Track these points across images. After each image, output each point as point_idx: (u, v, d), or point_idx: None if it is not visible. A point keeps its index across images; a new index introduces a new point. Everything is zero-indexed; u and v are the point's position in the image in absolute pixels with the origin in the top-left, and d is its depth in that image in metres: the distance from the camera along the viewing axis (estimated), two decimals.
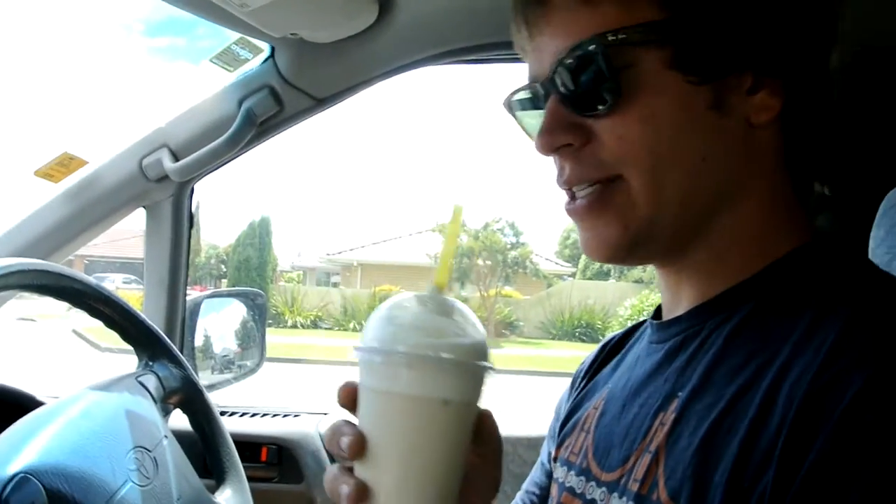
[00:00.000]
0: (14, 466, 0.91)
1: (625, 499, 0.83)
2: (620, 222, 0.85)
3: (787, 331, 0.76)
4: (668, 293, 0.96)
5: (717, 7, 0.81)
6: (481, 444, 0.76)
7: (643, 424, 0.86)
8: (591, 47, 0.81)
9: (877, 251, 1.13)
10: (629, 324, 1.15)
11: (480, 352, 0.73)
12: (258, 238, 31.94)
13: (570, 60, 0.83)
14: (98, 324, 1.29)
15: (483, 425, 0.75)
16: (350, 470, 0.73)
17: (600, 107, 0.82)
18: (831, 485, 0.64)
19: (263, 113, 1.83)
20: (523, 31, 0.91)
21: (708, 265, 0.88)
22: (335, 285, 36.81)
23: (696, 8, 0.81)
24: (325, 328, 28.53)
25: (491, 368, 0.73)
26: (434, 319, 0.72)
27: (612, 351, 1.10)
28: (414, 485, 0.70)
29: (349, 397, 0.75)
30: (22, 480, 0.89)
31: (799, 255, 0.85)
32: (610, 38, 0.80)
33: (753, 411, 0.72)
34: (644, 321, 1.05)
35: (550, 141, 0.86)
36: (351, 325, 28.34)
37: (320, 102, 1.89)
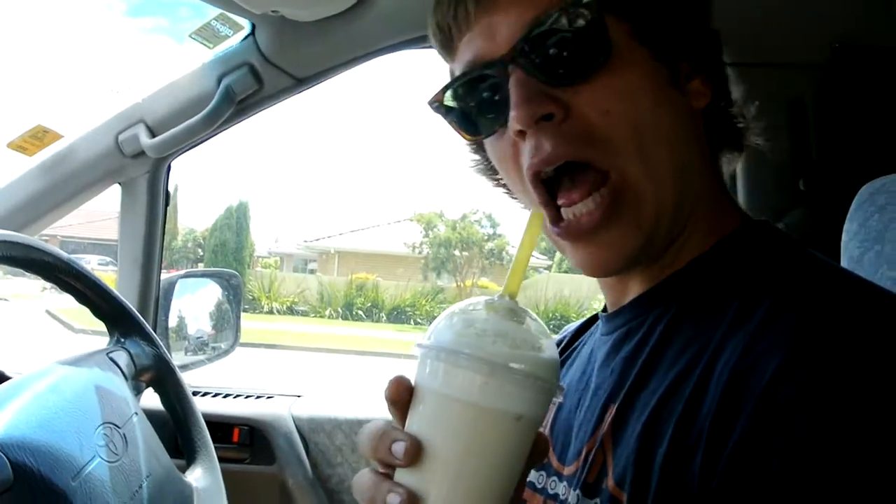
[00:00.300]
0: None
1: (579, 491, 0.84)
2: (634, 222, 0.82)
3: (720, 317, 0.77)
4: (614, 289, 0.96)
5: None
6: (529, 462, 0.72)
7: (594, 416, 0.87)
8: (568, 14, 0.79)
9: (849, 245, 1.14)
10: None
11: (556, 368, 0.70)
12: (236, 222, 31.72)
13: (543, 29, 0.80)
14: (72, 305, 1.27)
15: (538, 444, 0.72)
16: (388, 476, 0.69)
17: (581, 75, 0.80)
18: (754, 459, 0.65)
19: (242, 91, 1.81)
20: (465, 15, 0.86)
21: (661, 253, 0.88)
22: (312, 272, 36.68)
23: None
24: (302, 314, 28.43)
25: (563, 390, 0.71)
26: (514, 329, 0.69)
27: (567, 345, 1.11)
28: (470, 495, 0.67)
29: (400, 393, 0.70)
30: None
31: (731, 241, 0.87)
32: (583, 2, 0.79)
33: (687, 396, 0.74)
34: (597, 314, 1.04)
35: (531, 111, 0.80)
36: (327, 312, 28.29)
37: (300, 82, 1.87)
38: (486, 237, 31.70)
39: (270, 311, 27.79)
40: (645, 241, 0.83)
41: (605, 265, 0.86)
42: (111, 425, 1.10)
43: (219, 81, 1.82)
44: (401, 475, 0.68)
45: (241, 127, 1.98)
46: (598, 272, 0.88)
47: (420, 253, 32.37)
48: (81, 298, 1.25)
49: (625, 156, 0.81)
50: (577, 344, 1.08)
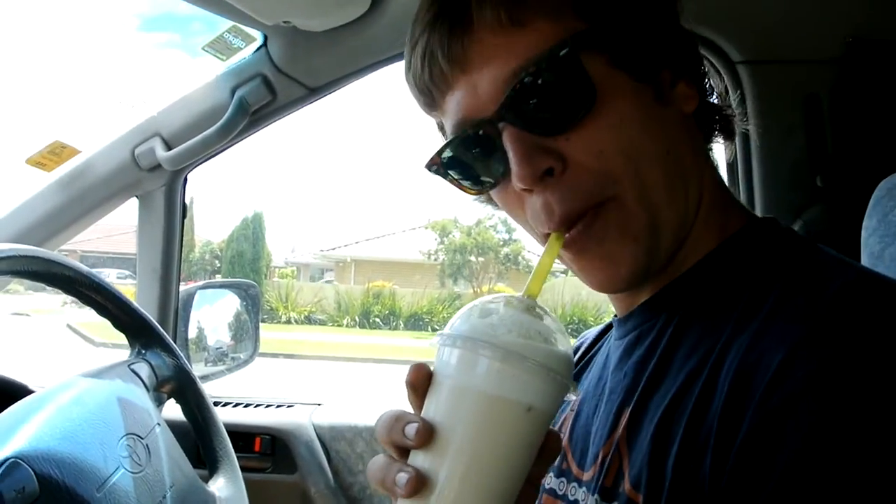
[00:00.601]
0: (4, 452, 0.90)
1: (598, 495, 0.84)
2: (629, 235, 0.82)
3: (727, 316, 0.78)
4: (622, 297, 0.96)
5: (629, 11, 0.84)
6: (541, 460, 0.73)
7: (609, 420, 0.88)
8: (546, 63, 0.79)
9: (869, 241, 1.13)
10: None
11: (569, 364, 0.71)
12: (252, 233, 31.89)
13: (525, 83, 0.79)
14: (93, 319, 1.28)
15: (549, 441, 0.72)
16: (400, 460, 0.71)
17: (570, 122, 0.80)
18: (761, 454, 0.65)
19: (256, 102, 1.83)
20: (441, 76, 0.84)
21: (667, 263, 0.88)
22: (329, 281, 36.77)
23: (613, 15, 0.82)
24: (319, 323, 28.49)
25: (575, 386, 0.71)
26: (530, 322, 0.70)
27: (585, 351, 1.11)
28: (477, 482, 0.68)
29: (419, 379, 0.72)
30: (12, 465, 0.89)
31: (736, 239, 0.88)
32: (562, 52, 0.78)
33: (697, 396, 0.74)
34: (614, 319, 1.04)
35: (533, 169, 0.79)
36: (345, 321, 28.34)
37: (313, 91, 1.88)
38: (501, 242, 31.66)
39: (288, 321, 27.88)
40: (645, 254, 0.84)
41: (610, 280, 0.86)
42: (134, 436, 1.11)
43: (232, 93, 1.83)
44: (413, 458, 0.70)
45: (255, 138, 1.99)
46: (604, 287, 0.88)
47: (436, 260, 32.39)
48: (102, 311, 1.26)
49: (620, 185, 0.81)
50: (594, 349, 1.09)
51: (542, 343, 0.69)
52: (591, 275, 0.87)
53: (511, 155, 0.80)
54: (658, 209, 0.83)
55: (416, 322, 28.09)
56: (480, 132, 0.83)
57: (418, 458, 0.69)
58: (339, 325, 28.17)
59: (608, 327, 1.09)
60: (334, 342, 22.10)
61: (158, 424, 1.20)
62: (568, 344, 0.72)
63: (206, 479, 1.33)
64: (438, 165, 0.90)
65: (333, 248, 36.90)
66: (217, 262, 35.17)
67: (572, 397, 0.72)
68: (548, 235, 0.83)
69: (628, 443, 0.82)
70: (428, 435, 0.68)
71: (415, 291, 29.34)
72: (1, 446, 0.91)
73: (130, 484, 1.03)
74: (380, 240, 36.61)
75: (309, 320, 28.66)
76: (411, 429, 0.68)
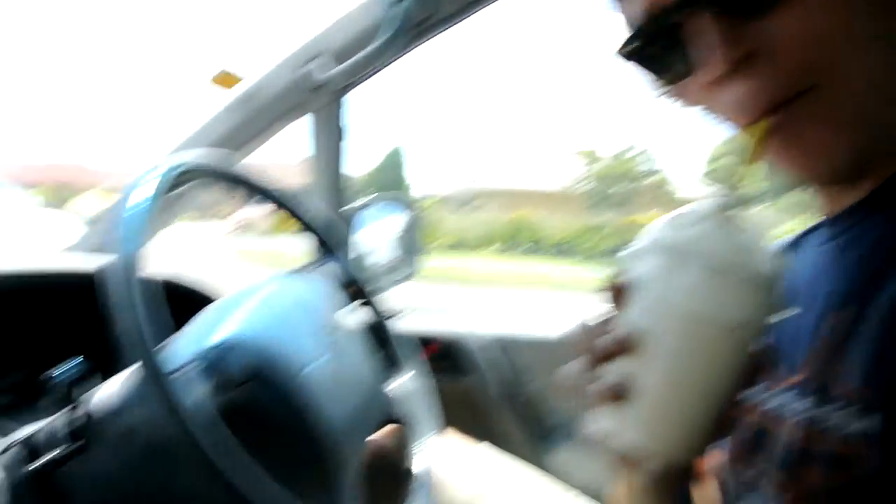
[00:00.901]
0: (218, 336, 0.98)
1: (807, 400, 0.80)
2: (836, 124, 0.76)
3: None
4: (831, 196, 0.89)
5: None
6: (747, 377, 0.71)
7: (821, 323, 0.82)
8: None
9: None
10: None
11: (778, 282, 0.68)
12: (394, 166, 32.61)
13: None
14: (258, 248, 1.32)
15: (758, 359, 0.71)
16: (596, 369, 0.71)
17: (771, 3, 0.73)
18: None
19: (418, 15, 1.81)
20: None
21: (880, 159, 0.80)
22: (474, 210, 37.14)
23: None
24: (467, 250, 28.96)
25: (784, 306, 0.69)
26: (737, 235, 0.67)
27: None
28: (679, 399, 0.67)
29: (618, 288, 0.71)
30: (227, 348, 0.96)
31: None
32: None
33: None
34: (812, 226, 0.99)
35: (733, 53, 0.74)
36: (490, 249, 28.66)
37: (476, 2, 1.84)
38: (646, 172, 30.86)
39: (434, 251, 28.51)
40: (854, 145, 0.76)
41: (814, 170, 0.81)
42: (329, 329, 1.17)
43: (393, 7, 1.82)
44: (609, 368, 0.69)
45: (395, 67, 1.99)
46: (810, 177, 0.83)
47: (580, 189, 31.99)
48: (294, 216, 1.34)
49: (828, 71, 0.74)
50: (791, 257, 1.03)
51: (749, 258, 0.65)
52: (795, 165, 0.81)
53: (709, 39, 0.75)
54: (868, 97, 0.76)
55: (563, 250, 27.97)
56: (673, 18, 0.78)
57: (616, 368, 0.68)
58: (486, 254, 28.53)
59: (804, 233, 1.03)
60: (481, 270, 22.41)
61: (347, 323, 1.26)
62: (775, 259, 0.68)
63: (391, 378, 1.38)
64: (627, 53, 0.86)
65: (477, 178, 37.11)
66: (361, 196, 36.35)
67: (781, 317, 0.68)
68: (748, 126, 0.78)
69: (847, 344, 0.77)
70: (628, 344, 0.67)
71: (561, 219, 29.15)
72: (214, 331, 0.99)
73: (326, 374, 1.09)
74: (525, 169, 36.43)
75: (454, 248, 29.18)
76: (612, 337, 0.67)
